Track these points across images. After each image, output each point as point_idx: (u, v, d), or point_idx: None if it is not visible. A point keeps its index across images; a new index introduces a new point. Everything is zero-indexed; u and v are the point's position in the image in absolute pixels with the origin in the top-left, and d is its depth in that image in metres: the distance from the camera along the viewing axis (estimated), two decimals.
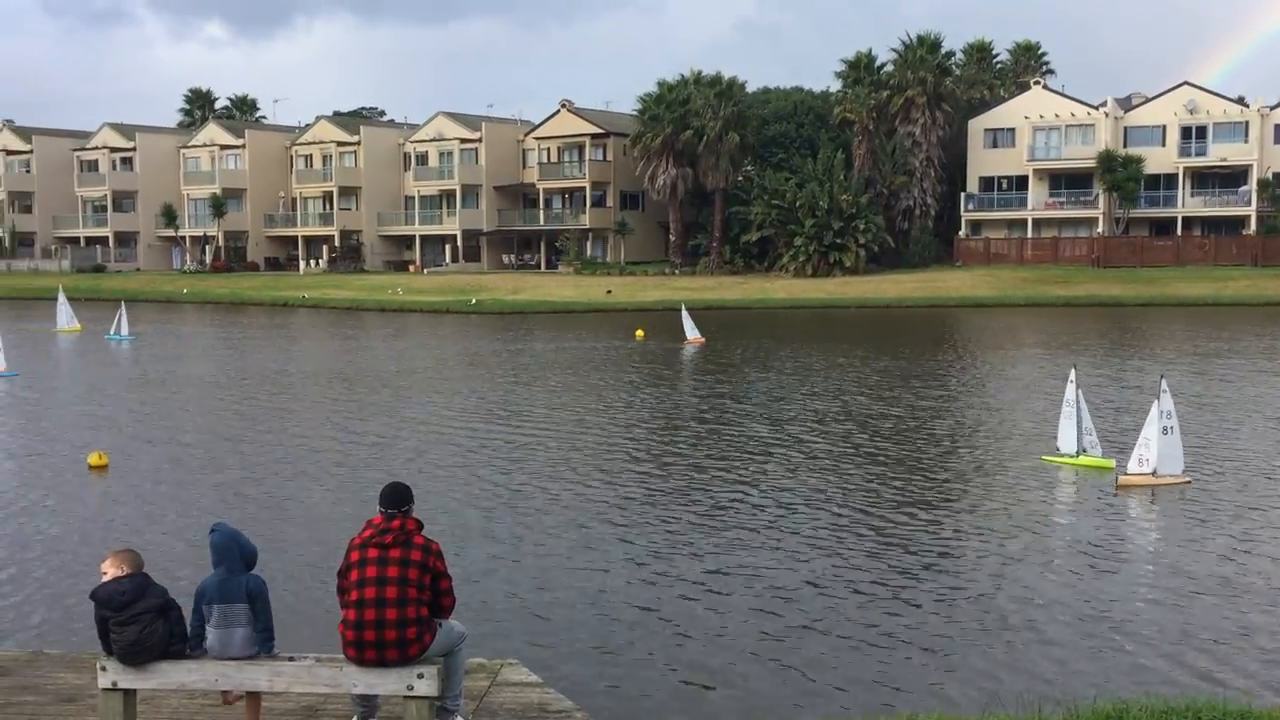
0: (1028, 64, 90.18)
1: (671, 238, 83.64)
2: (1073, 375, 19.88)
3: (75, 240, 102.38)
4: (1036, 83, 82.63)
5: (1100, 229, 76.96)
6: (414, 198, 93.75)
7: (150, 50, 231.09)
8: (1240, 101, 76.86)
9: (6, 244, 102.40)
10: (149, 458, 21.47)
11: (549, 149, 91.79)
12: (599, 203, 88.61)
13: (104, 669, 7.20)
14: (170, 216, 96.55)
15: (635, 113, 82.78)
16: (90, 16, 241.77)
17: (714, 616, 12.21)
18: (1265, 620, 12.03)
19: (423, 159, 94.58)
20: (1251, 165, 74.73)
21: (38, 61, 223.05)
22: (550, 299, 67.39)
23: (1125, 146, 77.32)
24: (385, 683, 7.14)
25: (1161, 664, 10.85)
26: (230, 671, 7.22)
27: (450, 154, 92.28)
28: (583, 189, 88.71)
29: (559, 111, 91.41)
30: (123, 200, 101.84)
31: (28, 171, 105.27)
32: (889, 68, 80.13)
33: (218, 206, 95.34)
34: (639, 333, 47.41)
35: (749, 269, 78.96)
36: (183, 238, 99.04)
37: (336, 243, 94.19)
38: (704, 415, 25.91)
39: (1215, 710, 8.16)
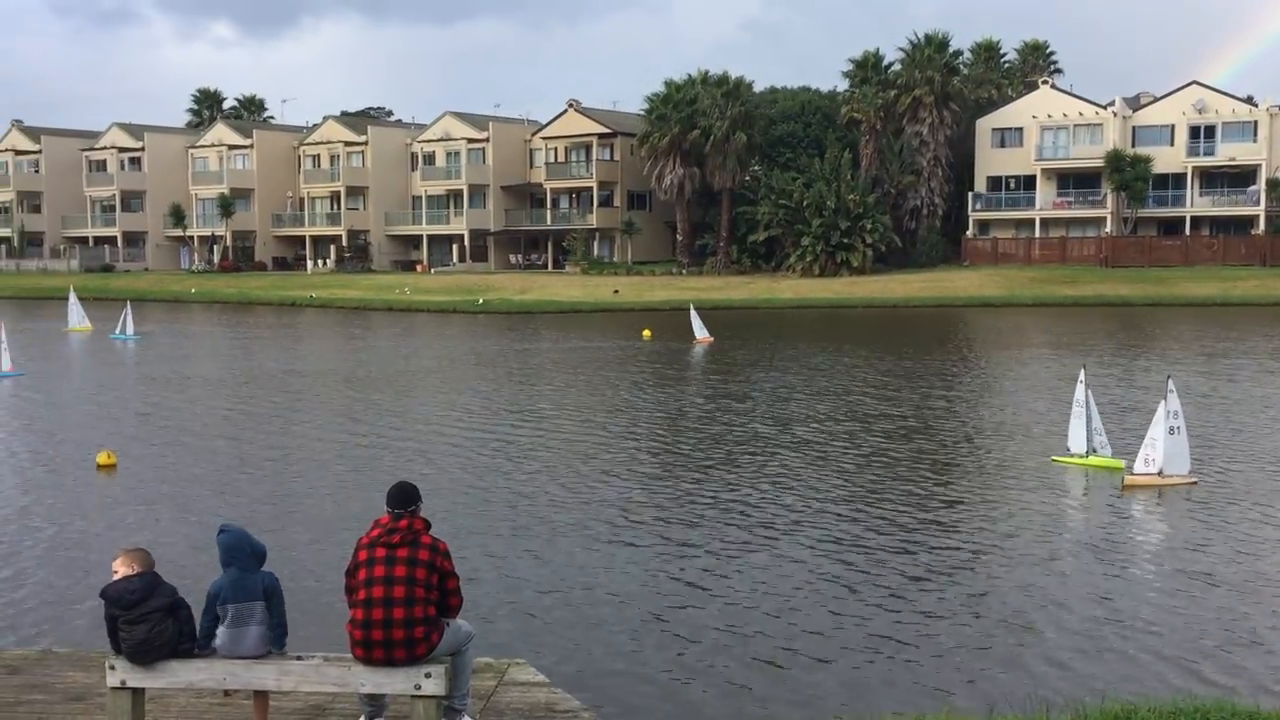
0: (1036, 63, 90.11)
1: (678, 238, 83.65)
2: (1082, 375, 19.85)
3: (84, 240, 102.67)
4: (1044, 82, 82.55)
5: (1108, 229, 76.84)
6: (421, 197, 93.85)
7: (158, 50, 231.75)
8: (1249, 101, 76.68)
9: (15, 244, 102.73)
10: (157, 457, 21.51)
11: (556, 149, 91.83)
12: (606, 202, 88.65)
13: (113, 668, 7.22)
14: (178, 216, 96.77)
15: (642, 112, 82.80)
16: (98, 16, 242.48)
17: (720, 616, 12.21)
18: (1273, 621, 12.01)
19: (430, 159, 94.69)
20: (1260, 165, 74.56)
21: (45, 62, 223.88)
22: (557, 299, 67.42)
23: (1133, 146, 77.18)
24: (393, 682, 7.16)
25: (1169, 665, 10.83)
26: (239, 670, 7.24)
27: (457, 154, 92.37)
28: (590, 189, 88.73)
29: (566, 111, 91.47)
30: (131, 200, 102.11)
31: (36, 171, 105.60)
32: (896, 67, 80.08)
33: (225, 206, 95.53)
34: (646, 333, 47.41)
35: (756, 269, 78.95)
36: (191, 237, 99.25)
37: (344, 242, 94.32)
38: (712, 415, 25.90)
39: (1224, 711, 8.15)
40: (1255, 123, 75.52)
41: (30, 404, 29.18)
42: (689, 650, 11.27)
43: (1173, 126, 77.21)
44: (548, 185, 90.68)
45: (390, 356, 40.67)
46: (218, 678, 7.27)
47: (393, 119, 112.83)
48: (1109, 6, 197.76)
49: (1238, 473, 19.03)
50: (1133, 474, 18.18)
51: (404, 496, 7.42)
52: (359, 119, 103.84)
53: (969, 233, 79.85)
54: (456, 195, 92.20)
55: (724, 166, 78.17)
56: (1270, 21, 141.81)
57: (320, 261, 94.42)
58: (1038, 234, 78.33)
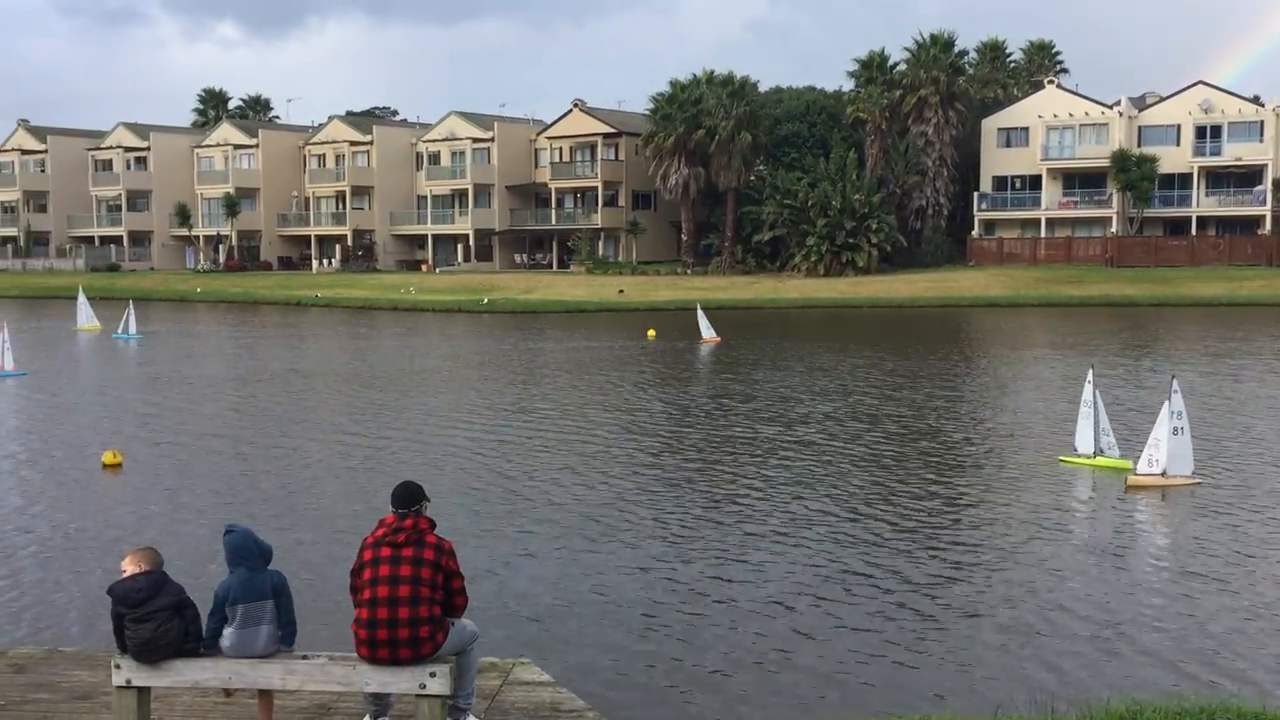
0: (1041, 63, 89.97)
1: (683, 237, 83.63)
2: (1090, 375, 19.82)
3: (90, 239, 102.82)
4: (1050, 82, 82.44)
5: (1114, 229, 76.72)
6: (426, 197, 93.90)
7: (164, 50, 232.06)
8: (1255, 101, 76.53)
9: (22, 243, 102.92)
10: (160, 456, 21.54)
11: (561, 148, 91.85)
12: (611, 202, 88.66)
13: (118, 666, 7.24)
14: (184, 216, 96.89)
15: (647, 112, 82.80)
16: (103, 16, 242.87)
17: (725, 617, 12.22)
18: (1277, 622, 11.99)
19: (435, 159, 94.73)
20: (1267, 165, 74.42)
21: (51, 61, 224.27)
22: (562, 298, 67.44)
23: (1139, 146, 77.06)
24: (398, 681, 7.17)
25: (1172, 665, 10.83)
26: (244, 669, 7.25)
27: (462, 154, 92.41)
28: (595, 188, 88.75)
29: (571, 111, 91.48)
30: (137, 200, 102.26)
31: (43, 171, 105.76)
32: (902, 67, 79.98)
33: (231, 206, 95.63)
34: (651, 332, 47.41)
35: (761, 269, 78.91)
36: (196, 237, 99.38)
37: (349, 242, 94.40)
38: (715, 415, 25.90)
39: (1229, 711, 8.14)
40: (1262, 123, 75.37)
41: (33, 403, 29.22)
42: (692, 650, 11.28)
43: (1179, 126, 77.08)
44: (553, 185, 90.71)
45: (395, 356, 40.71)
46: (223, 676, 7.29)
47: (398, 119, 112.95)
48: (1114, 6, 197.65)
49: (1242, 473, 18.99)
50: (1136, 474, 18.16)
51: (408, 496, 7.43)
52: (364, 119, 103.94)
53: (974, 233, 79.77)
54: (461, 195, 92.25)
55: (729, 166, 78.14)
56: (1277, 21, 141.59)
57: (325, 261, 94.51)
58: (1043, 234, 78.24)
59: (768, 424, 24.50)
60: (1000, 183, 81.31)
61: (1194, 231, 75.28)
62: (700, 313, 45.91)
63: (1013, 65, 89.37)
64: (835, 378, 32.39)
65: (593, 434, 23.59)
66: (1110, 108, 78.45)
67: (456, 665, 7.36)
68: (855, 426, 24.10)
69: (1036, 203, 79.51)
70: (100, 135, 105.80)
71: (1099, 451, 19.50)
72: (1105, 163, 76.32)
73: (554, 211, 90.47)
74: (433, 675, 7.07)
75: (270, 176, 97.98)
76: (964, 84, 79.70)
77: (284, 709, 7.99)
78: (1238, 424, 23.81)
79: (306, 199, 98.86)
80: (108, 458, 20.56)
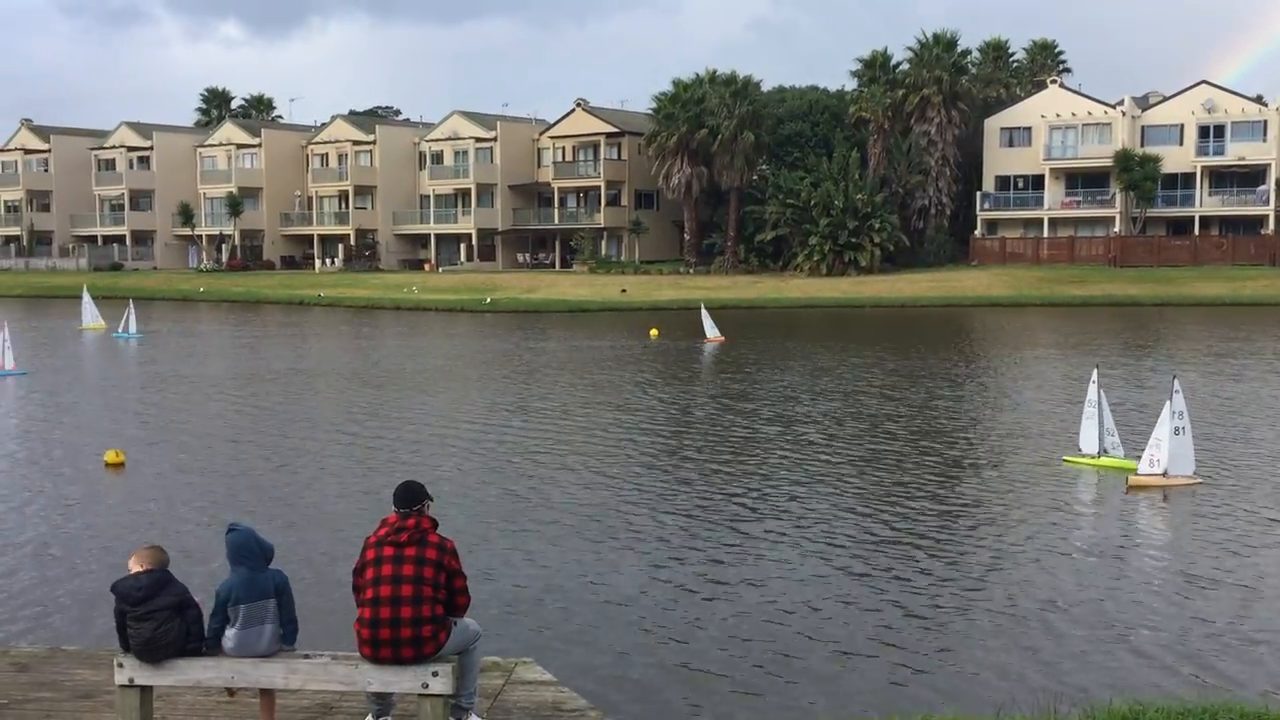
0: (1044, 63, 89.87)
1: (686, 237, 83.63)
2: (1094, 375, 19.82)
3: (92, 239, 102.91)
4: (1053, 81, 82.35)
5: (1117, 228, 76.66)
6: (429, 197, 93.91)
7: (166, 50, 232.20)
8: (1259, 100, 76.46)
9: (25, 242, 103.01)
10: (163, 455, 21.56)
11: (564, 148, 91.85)
12: (614, 202, 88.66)
13: (121, 665, 7.25)
14: (187, 215, 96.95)
15: (650, 112, 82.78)
16: (106, 16, 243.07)
17: (727, 616, 12.22)
18: (1279, 622, 12.00)
19: (438, 158, 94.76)
20: (1270, 164, 74.33)
21: (54, 61, 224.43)
22: (565, 298, 67.46)
23: (1142, 145, 77.00)
24: (400, 680, 7.18)
25: (1176, 665, 10.82)
26: (247, 669, 7.26)
27: (465, 153, 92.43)
28: (597, 188, 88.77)
29: (574, 110, 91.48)
30: (140, 199, 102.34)
31: (46, 170, 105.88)
32: (904, 67, 79.92)
33: (234, 205, 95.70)
34: (653, 332, 47.41)
35: (763, 268, 78.90)
36: (199, 236, 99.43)
37: (352, 242, 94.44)
38: (717, 415, 25.89)
39: (1231, 712, 8.14)
40: (1265, 122, 75.29)
41: (34, 403, 29.23)
42: (695, 650, 11.28)
43: (1182, 126, 77.01)
44: (555, 184, 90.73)
45: (398, 356, 40.72)
46: (226, 676, 7.30)
47: (401, 118, 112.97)
48: (1117, 6, 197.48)
49: (1243, 473, 18.98)
50: (1138, 474, 18.15)
51: (410, 495, 7.44)
52: (367, 118, 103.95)
53: (977, 232, 79.71)
54: (464, 194, 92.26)
55: (731, 166, 78.11)
56: None
57: (328, 260, 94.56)
58: (1046, 234, 78.18)
59: (769, 424, 24.50)
60: (1003, 182, 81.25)
61: (1197, 231, 75.20)
62: (705, 312, 45.90)
63: (1015, 65, 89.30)
64: (837, 377, 32.38)
65: (594, 434, 23.60)
66: (1113, 107, 78.37)
67: (459, 665, 7.37)
68: (856, 426, 24.09)
69: (1039, 202, 79.45)
70: (103, 135, 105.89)
71: (1103, 451, 19.50)
72: (1108, 162, 76.25)
73: (557, 211, 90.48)
74: (435, 675, 7.08)
75: (273, 176, 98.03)
76: (967, 83, 79.61)
77: (286, 708, 8.00)
78: (1239, 424, 23.79)
79: (309, 198, 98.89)
80: (110, 457, 20.57)
